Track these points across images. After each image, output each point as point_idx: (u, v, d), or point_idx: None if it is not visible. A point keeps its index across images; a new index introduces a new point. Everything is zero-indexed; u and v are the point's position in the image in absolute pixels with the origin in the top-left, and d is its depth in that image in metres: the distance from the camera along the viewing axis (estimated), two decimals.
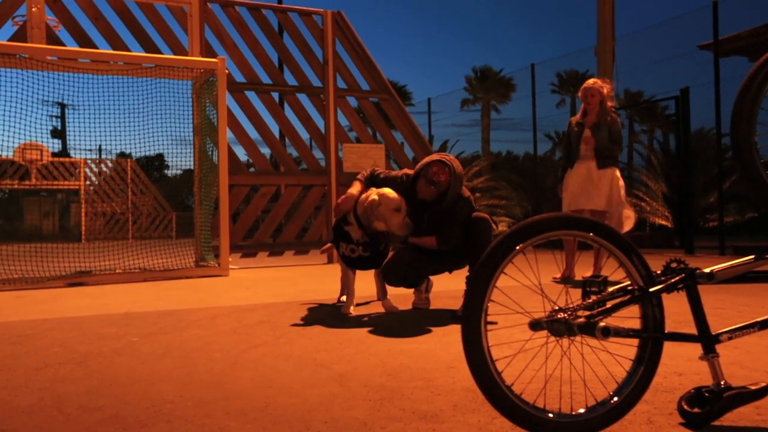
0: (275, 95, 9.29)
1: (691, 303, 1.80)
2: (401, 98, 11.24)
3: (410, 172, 4.09)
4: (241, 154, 13.55)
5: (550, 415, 1.70)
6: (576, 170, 5.90)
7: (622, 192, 5.87)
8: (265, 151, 10.59)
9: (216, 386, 2.31)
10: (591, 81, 6.01)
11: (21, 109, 6.76)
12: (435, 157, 3.92)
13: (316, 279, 6.51)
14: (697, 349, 1.82)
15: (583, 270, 5.82)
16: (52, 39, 7.41)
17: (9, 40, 7.15)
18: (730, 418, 1.81)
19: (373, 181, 4.12)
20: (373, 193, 3.87)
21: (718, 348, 1.79)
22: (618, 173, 5.90)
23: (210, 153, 7.69)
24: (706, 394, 1.77)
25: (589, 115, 5.92)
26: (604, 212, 5.77)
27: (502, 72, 34.28)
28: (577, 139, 5.95)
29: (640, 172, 13.12)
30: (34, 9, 7.25)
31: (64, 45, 7.45)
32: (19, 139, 6.99)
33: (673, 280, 1.78)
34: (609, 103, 5.94)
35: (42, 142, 16.60)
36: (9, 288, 6.04)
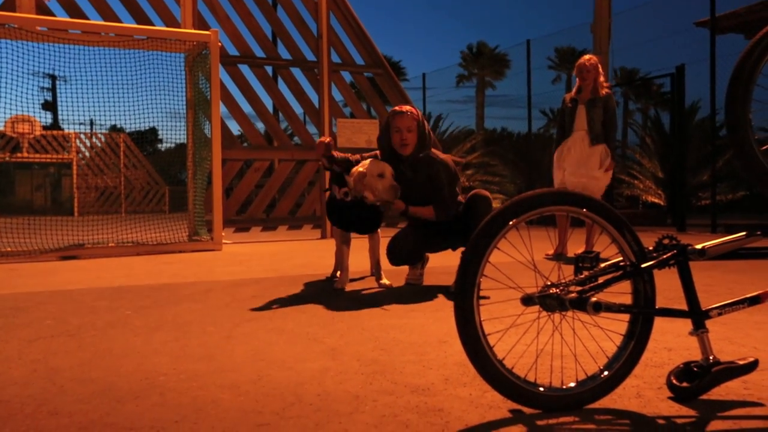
0: (269, 69, 9.22)
1: (682, 279, 1.81)
2: (396, 73, 11.17)
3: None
4: (235, 128, 13.48)
5: (541, 389, 1.72)
6: (569, 146, 5.91)
7: (607, 167, 5.84)
8: (259, 125, 10.54)
9: (209, 359, 2.32)
10: (586, 57, 5.99)
11: (11, 80, 6.70)
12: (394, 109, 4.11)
13: (310, 254, 6.52)
14: (687, 324, 1.83)
15: (576, 247, 5.84)
16: (42, 9, 7.30)
17: None
18: (717, 393, 1.84)
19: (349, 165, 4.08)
20: (359, 167, 3.90)
21: (708, 324, 1.80)
22: (606, 149, 5.87)
23: (203, 127, 7.63)
24: (695, 369, 1.79)
25: (584, 92, 5.91)
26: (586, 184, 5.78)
27: (497, 48, 34.07)
28: (570, 115, 5.94)
29: (634, 150, 13.13)
30: None
31: (54, 15, 7.34)
32: (10, 111, 6.94)
33: (665, 256, 1.79)
34: (601, 79, 5.92)
35: (33, 114, 16.44)
36: (1, 261, 6.03)
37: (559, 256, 5.68)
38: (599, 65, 5.94)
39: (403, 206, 3.96)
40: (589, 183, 5.75)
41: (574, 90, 6.05)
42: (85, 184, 19.55)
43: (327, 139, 4.08)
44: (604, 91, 5.86)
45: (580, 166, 5.82)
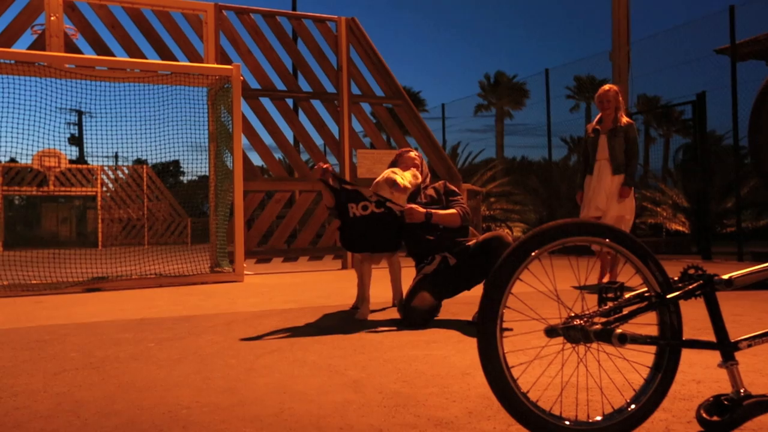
0: (290, 101, 9.35)
1: (709, 310, 1.78)
2: (415, 104, 11.25)
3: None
4: (256, 160, 13.62)
5: (567, 422, 1.69)
6: (593, 177, 5.90)
7: (625, 195, 5.81)
8: (280, 157, 10.65)
9: (231, 392, 2.31)
10: (606, 87, 5.99)
11: (39, 116, 6.87)
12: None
13: (331, 285, 6.52)
14: (715, 356, 1.80)
15: (591, 278, 5.77)
16: (70, 47, 7.51)
17: (28, 49, 7.26)
18: (750, 427, 1.79)
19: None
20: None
21: (738, 355, 1.77)
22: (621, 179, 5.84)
23: (225, 159, 7.73)
24: (726, 402, 1.75)
25: (605, 122, 5.92)
26: (621, 216, 5.76)
27: (516, 78, 34.19)
28: (593, 146, 5.96)
29: (656, 177, 13.02)
30: (52, 18, 7.35)
31: (81, 53, 7.54)
32: (38, 146, 7.09)
33: (690, 287, 1.77)
34: (622, 109, 5.91)
35: (59, 149, 16.82)
36: (28, 293, 6.11)
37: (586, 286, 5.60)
38: (619, 94, 5.95)
39: (424, 211, 3.98)
40: (618, 221, 5.73)
41: (595, 120, 6.07)
42: (109, 217, 19.83)
43: (326, 165, 4.16)
44: (624, 120, 5.85)
45: (602, 196, 5.81)
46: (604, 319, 1.70)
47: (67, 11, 7.54)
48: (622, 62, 11.01)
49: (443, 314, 4.18)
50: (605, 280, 5.74)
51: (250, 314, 4.41)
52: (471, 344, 3.10)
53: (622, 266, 1.87)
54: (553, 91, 13.34)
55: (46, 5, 7.37)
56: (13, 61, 6.72)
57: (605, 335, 1.66)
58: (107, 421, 1.98)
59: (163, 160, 7.95)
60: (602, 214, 5.77)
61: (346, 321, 4.01)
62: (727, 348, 1.76)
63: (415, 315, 3.82)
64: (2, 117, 6.71)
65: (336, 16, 9.27)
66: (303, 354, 2.99)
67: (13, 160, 15.99)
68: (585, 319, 1.70)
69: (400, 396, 2.21)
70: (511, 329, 3.25)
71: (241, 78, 7.59)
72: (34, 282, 6.42)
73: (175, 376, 2.58)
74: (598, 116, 6.03)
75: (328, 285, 6.52)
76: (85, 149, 26.93)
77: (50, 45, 7.32)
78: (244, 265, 7.46)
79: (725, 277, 1.77)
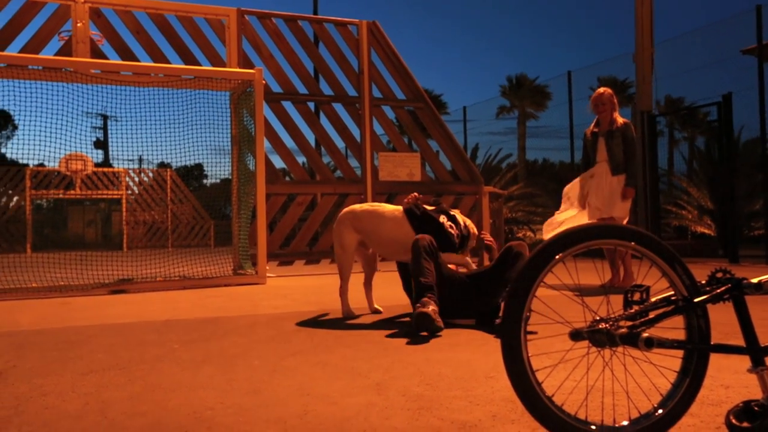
0: (311, 105, 9.38)
1: (738, 314, 1.76)
2: (437, 107, 11.23)
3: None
4: (278, 163, 13.69)
5: (593, 427, 1.67)
6: (594, 180, 5.92)
7: (627, 196, 5.83)
8: (302, 160, 10.69)
9: (255, 393, 2.33)
10: (600, 90, 6.11)
11: (66, 120, 6.98)
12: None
13: (353, 287, 6.52)
14: (744, 361, 1.77)
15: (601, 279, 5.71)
16: (96, 53, 7.62)
17: (55, 55, 7.39)
18: None
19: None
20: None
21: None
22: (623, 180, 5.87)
23: (247, 162, 7.79)
24: (756, 408, 1.72)
25: (602, 124, 6.00)
26: (622, 218, 5.78)
27: (538, 80, 33.99)
28: (592, 148, 6.07)
29: (681, 179, 12.86)
30: (79, 24, 7.47)
31: (107, 58, 7.65)
32: (64, 150, 7.21)
33: (719, 290, 1.74)
34: (616, 113, 5.96)
35: (85, 152, 17.07)
36: (55, 295, 6.21)
37: (610, 289, 5.57)
38: (614, 97, 6.05)
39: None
40: (609, 214, 5.75)
41: (593, 123, 6.14)
42: (134, 219, 20.08)
43: (416, 194, 4.36)
44: (621, 121, 5.94)
45: (604, 198, 5.82)
46: (630, 323, 1.68)
47: (93, 18, 7.66)
48: (645, 64, 10.89)
49: None
50: (618, 282, 5.71)
51: (273, 316, 4.44)
52: (495, 347, 3.09)
53: (649, 269, 1.85)
54: (575, 93, 13.26)
55: (72, 12, 7.49)
56: (41, 67, 6.84)
57: (631, 339, 1.64)
58: (133, 422, 2.01)
59: (187, 163, 8.06)
60: (603, 215, 5.76)
61: (369, 323, 4.01)
62: (757, 353, 1.73)
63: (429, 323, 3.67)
64: (30, 121, 6.85)
65: (357, 20, 9.30)
66: (326, 356, 3.00)
67: (41, 164, 16.30)
68: (611, 322, 1.68)
69: (423, 399, 2.20)
70: (535, 332, 3.23)
71: (263, 82, 7.64)
72: (62, 284, 6.52)
73: (199, 378, 2.60)
74: (596, 119, 6.08)
75: (350, 287, 6.52)
76: (110, 153, 27.29)
77: (77, 51, 7.44)
78: (267, 267, 7.50)
79: (754, 280, 1.74)
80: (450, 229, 4.12)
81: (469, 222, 4.32)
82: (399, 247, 4.17)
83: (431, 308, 3.53)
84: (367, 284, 4.57)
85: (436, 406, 2.11)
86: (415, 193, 4.37)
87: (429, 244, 3.86)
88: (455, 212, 4.32)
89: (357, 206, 4.43)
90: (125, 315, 4.70)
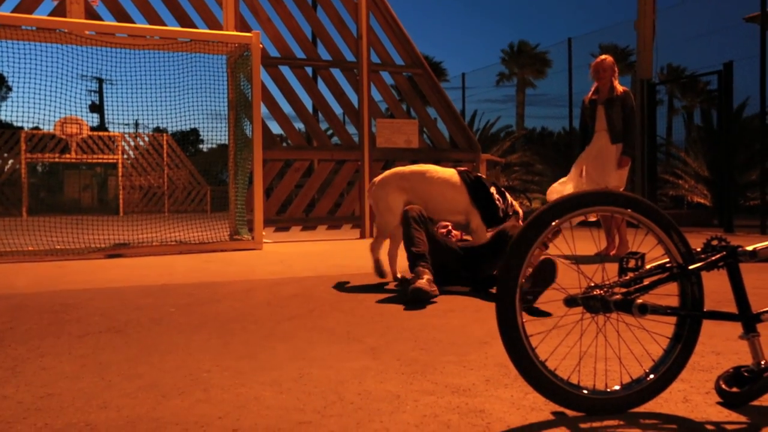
0: (309, 70, 9.30)
1: (731, 281, 1.76)
2: (436, 74, 11.13)
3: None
4: (275, 128, 13.60)
5: (585, 391, 1.70)
6: (591, 148, 5.92)
7: (623, 164, 5.86)
8: (299, 126, 10.63)
9: (251, 357, 2.35)
10: (602, 57, 6.07)
11: (61, 83, 6.89)
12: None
13: (349, 253, 6.55)
14: (735, 328, 1.78)
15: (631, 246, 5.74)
16: (91, 14, 7.50)
17: (49, 15, 7.27)
18: None
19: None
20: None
21: (759, 327, 1.75)
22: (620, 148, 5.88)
23: (244, 128, 7.74)
24: (746, 374, 1.74)
25: (601, 92, 5.96)
26: (617, 187, 5.80)
27: (538, 47, 33.66)
28: (591, 117, 6.02)
29: (679, 148, 12.83)
30: None
31: (101, 20, 7.53)
32: (59, 113, 7.13)
33: (713, 258, 1.75)
34: (616, 81, 5.92)
35: (81, 116, 16.94)
36: (51, 258, 6.22)
37: (605, 257, 5.61)
38: (615, 66, 5.98)
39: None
40: (606, 183, 5.77)
41: (591, 91, 6.08)
42: (130, 184, 20.04)
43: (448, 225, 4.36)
44: (620, 89, 5.90)
45: (602, 166, 5.83)
46: (624, 290, 1.69)
47: None
48: (647, 31, 10.77)
49: None
50: (613, 250, 5.74)
51: (269, 282, 4.45)
52: (489, 314, 3.11)
53: (639, 238, 1.86)
54: (576, 60, 13.14)
55: None
56: (34, 28, 6.73)
57: (625, 305, 1.65)
58: (130, 383, 2.03)
59: (183, 128, 7.98)
60: (600, 184, 5.77)
61: (365, 289, 4.03)
62: (748, 320, 1.75)
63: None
64: (25, 83, 6.76)
65: None
66: (321, 321, 3.02)
67: (36, 127, 16.18)
68: (605, 289, 1.69)
69: (417, 363, 2.22)
70: (530, 298, 3.25)
71: (261, 46, 7.54)
72: (58, 247, 6.53)
73: (196, 341, 2.62)
74: (594, 86, 6.04)
75: (346, 253, 6.55)
76: (105, 117, 27.11)
77: (71, 11, 7.32)
78: (263, 233, 7.51)
79: (749, 248, 1.75)
80: (497, 202, 4.14)
81: (516, 204, 4.33)
82: (452, 209, 4.17)
83: (426, 278, 3.54)
84: (394, 251, 4.48)
85: (430, 371, 2.13)
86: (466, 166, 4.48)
87: (419, 214, 3.90)
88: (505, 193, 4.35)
89: (404, 168, 4.37)
90: (121, 279, 4.71)
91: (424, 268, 3.63)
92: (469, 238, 4.26)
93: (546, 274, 3.18)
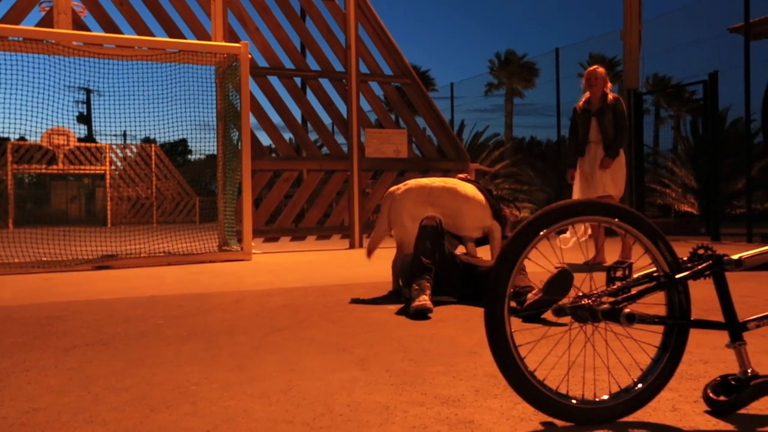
0: (298, 80, 9.30)
1: (718, 290, 1.78)
2: (424, 83, 11.18)
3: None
4: (264, 139, 13.57)
5: (573, 401, 1.70)
6: (586, 158, 5.96)
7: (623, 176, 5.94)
8: (288, 136, 10.61)
9: (240, 369, 2.33)
10: (593, 67, 6.06)
11: (48, 94, 6.85)
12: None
13: (339, 264, 6.54)
14: (723, 337, 1.79)
15: (613, 256, 5.77)
16: (78, 24, 7.48)
17: (36, 26, 7.24)
18: (756, 407, 1.79)
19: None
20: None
21: (746, 336, 1.76)
22: (623, 157, 5.98)
23: (233, 138, 7.73)
24: (733, 383, 1.75)
25: (593, 102, 5.98)
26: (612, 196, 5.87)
27: (526, 57, 33.88)
28: (584, 127, 6.02)
29: (666, 157, 12.94)
30: None
31: (89, 30, 7.51)
32: (46, 124, 7.09)
33: (700, 267, 1.76)
34: (609, 88, 5.96)
35: (68, 127, 16.85)
36: (38, 270, 6.16)
37: (595, 266, 5.63)
38: (606, 76, 6.02)
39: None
40: (609, 195, 5.83)
41: (583, 100, 6.08)
42: (118, 195, 19.92)
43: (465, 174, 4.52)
44: (611, 97, 5.94)
45: (596, 176, 5.90)
46: (612, 299, 1.70)
47: None
48: (633, 41, 10.86)
49: None
50: (602, 259, 5.78)
51: (258, 292, 4.44)
52: (478, 323, 3.11)
53: (616, 247, 1.86)
54: (564, 70, 13.25)
55: None
56: (21, 38, 6.70)
57: (613, 314, 1.66)
58: (117, 397, 2.01)
59: (172, 138, 7.95)
60: (598, 194, 5.82)
61: (354, 300, 4.02)
62: (735, 328, 1.76)
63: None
64: (11, 94, 6.71)
65: None
66: (311, 332, 3.01)
67: (22, 138, 16.07)
68: (593, 298, 1.70)
69: (406, 374, 2.22)
70: (519, 308, 3.26)
71: (249, 56, 7.55)
72: (45, 259, 6.47)
73: (184, 353, 2.60)
74: (586, 96, 6.05)
75: (335, 264, 6.54)
76: (93, 127, 26.96)
77: (58, 22, 7.29)
78: (252, 243, 7.49)
79: (735, 257, 1.76)
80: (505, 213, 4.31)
81: (507, 211, 4.42)
82: (477, 225, 4.23)
83: (428, 293, 3.55)
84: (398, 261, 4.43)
85: (419, 381, 2.12)
86: (465, 173, 4.52)
87: (438, 225, 3.88)
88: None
89: (431, 182, 4.28)
90: (109, 291, 4.68)
91: (428, 282, 3.62)
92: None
93: (562, 283, 3.20)
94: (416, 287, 3.58)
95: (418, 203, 4.15)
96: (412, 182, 4.29)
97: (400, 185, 4.27)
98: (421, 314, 3.39)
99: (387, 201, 4.26)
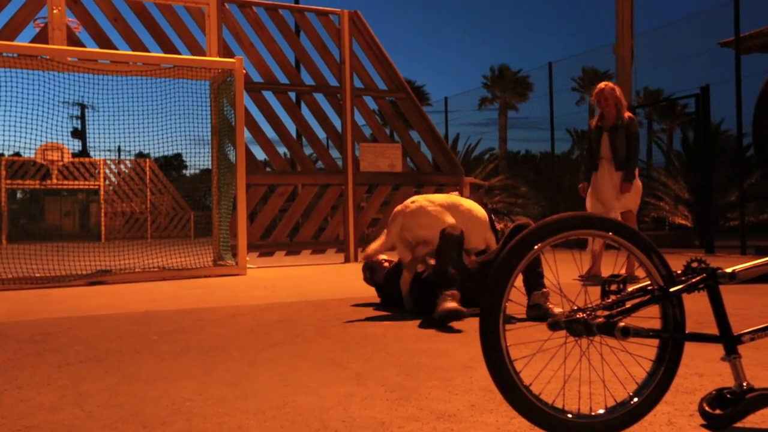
0: (292, 95, 9.33)
1: (712, 303, 1.78)
2: (418, 98, 11.22)
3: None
4: (259, 153, 13.60)
5: (569, 415, 1.69)
6: (599, 175, 5.97)
7: (624, 190, 5.93)
8: (283, 150, 10.62)
9: (234, 384, 2.32)
10: (601, 85, 6.04)
11: (42, 110, 6.86)
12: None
13: (334, 278, 6.53)
14: (718, 350, 1.80)
15: (608, 269, 5.77)
16: (73, 40, 7.50)
17: (31, 42, 7.25)
18: (752, 420, 1.79)
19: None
20: None
21: (740, 349, 1.76)
22: (636, 174, 6.01)
23: (228, 153, 7.73)
24: (728, 396, 1.75)
25: (606, 119, 5.98)
26: (628, 209, 5.89)
27: (520, 71, 34.07)
28: (597, 142, 6.03)
29: (659, 171, 13.00)
30: (55, 11, 7.34)
31: (84, 46, 7.53)
32: (41, 139, 7.08)
33: (694, 280, 1.76)
34: (623, 103, 5.95)
35: (62, 142, 16.82)
36: (32, 286, 6.13)
37: (593, 278, 5.64)
38: (616, 90, 5.98)
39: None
40: (624, 214, 5.88)
41: (597, 117, 6.11)
42: (112, 210, 19.87)
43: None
44: (626, 115, 5.91)
45: (610, 193, 5.91)
46: (607, 313, 1.69)
47: (69, 4, 7.53)
48: (625, 55, 10.96)
49: None
50: (595, 271, 5.79)
51: (253, 307, 4.42)
52: (473, 337, 3.10)
53: (629, 260, 1.87)
54: (557, 84, 13.33)
55: None
56: (15, 55, 6.71)
57: (608, 328, 1.66)
58: (111, 414, 1.99)
59: (166, 153, 7.96)
60: (609, 211, 5.84)
61: (349, 314, 4.01)
62: (730, 341, 1.76)
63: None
64: (6, 110, 6.72)
65: (339, 10, 9.25)
66: (306, 347, 2.99)
67: (16, 153, 16.03)
68: (588, 312, 1.70)
69: (402, 389, 2.21)
70: (514, 322, 3.25)
71: (244, 71, 7.58)
72: (38, 275, 6.44)
73: (178, 369, 2.59)
74: (599, 113, 6.07)
75: (330, 278, 6.53)
76: (87, 143, 26.93)
77: (53, 38, 7.31)
78: (247, 258, 7.47)
79: (729, 270, 1.77)
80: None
81: (502, 225, 4.52)
82: (482, 242, 4.28)
83: (458, 299, 3.56)
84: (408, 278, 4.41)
85: (415, 396, 2.12)
86: (456, 190, 4.53)
87: (460, 236, 3.87)
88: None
89: (435, 198, 4.22)
90: (103, 306, 4.65)
91: (455, 294, 3.59)
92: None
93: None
94: (448, 294, 3.55)
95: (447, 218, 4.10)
96: (420, 198, 4.21)
97: (407, 202, 4.15)
98: (454, 316, 3.39)
99: (398, 218, 4.08)
